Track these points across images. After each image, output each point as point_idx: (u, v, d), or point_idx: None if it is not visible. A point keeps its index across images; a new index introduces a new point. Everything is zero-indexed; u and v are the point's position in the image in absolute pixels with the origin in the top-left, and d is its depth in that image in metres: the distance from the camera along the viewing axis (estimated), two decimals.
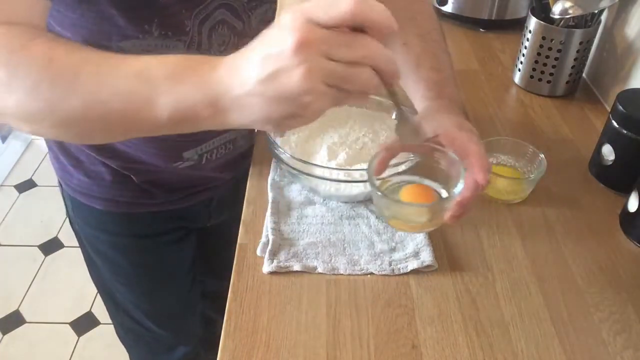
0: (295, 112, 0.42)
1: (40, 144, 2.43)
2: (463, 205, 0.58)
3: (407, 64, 0.70)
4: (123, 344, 1.13)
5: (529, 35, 1.00)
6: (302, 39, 0.39)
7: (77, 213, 0.88)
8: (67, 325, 1.75)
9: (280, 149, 0.74)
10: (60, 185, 0.87)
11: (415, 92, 0.69)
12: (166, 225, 0.91)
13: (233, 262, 0.70)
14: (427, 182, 0.65)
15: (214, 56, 0.46)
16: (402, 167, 0.67)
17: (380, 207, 0.66)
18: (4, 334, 1.72)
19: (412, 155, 0.67)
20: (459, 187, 0.58)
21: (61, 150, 0.81)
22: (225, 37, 0.70)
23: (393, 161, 0.63)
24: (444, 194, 0.63)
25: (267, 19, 0.78)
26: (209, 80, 0.44)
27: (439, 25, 0.75)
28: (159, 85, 0.45)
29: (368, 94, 0.44)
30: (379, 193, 0.59)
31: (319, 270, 0.69)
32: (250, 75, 0.42)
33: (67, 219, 0.93)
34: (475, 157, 0.58)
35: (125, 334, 1.08)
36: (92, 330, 1.73)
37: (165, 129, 0.47)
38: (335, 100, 0.42)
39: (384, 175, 0.63)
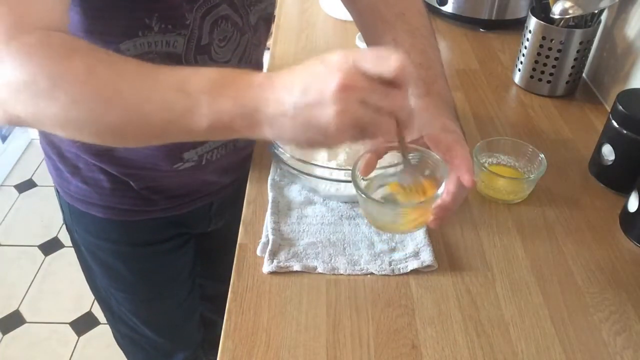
0: (319, 140, 0.47)
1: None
2: (444, 208, 0.58)
3: None
4: (121, 349, 1.12)
5: (529, 35, 1.00)
6: (345, 83, 0.43)
7: (75, 221, 0.86)
8: (67, 325, 1.75)
9: (280, 149, 0.74)
10: (58, 192, 0.86)
11: None
12: (166, 232, 0.90)
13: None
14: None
15: (249, 71, 0.49)
16: (391, 170, 0.66)
17: (363, 209, 0.66)
18: (4, 334, 1.72)
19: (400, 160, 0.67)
20: (441, 190, 0.58)
21: (59, 158, 0.80)
22: (228, 33, 0.70)
23: (382, 163, 0.62)
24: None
25: (266, 16, 0.77)
26: (246, 95, 0.47)
27: (429, 21, 0.75)
28: (199, 99, 0.47)
29: (383, 139, 0.50)
30: (363, 195, 0.58)
31: (319, 270, 0.69)
32: (289, 98, 0.46)
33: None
34: (459, 159, 0.57)
35: (123, 340, 1.08)
36: (92, 330, 1.73)
37: (202, 136, 0.50)
38: (355, 138, 0.47)
39: (370, 175, 0.62)
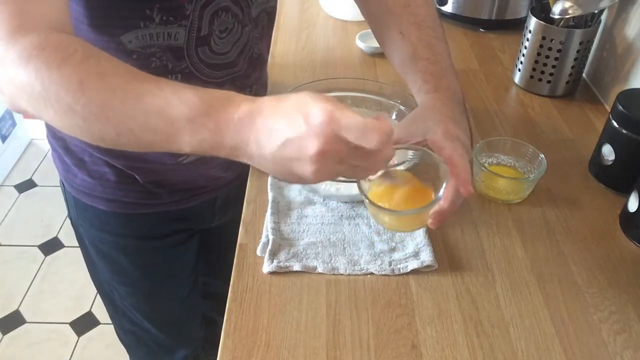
0: (298, 182, 0.50)
1: (40, 144, 2.43)
2: (441, 214, 0.59)
3: (404, 55, 0.71)
4: (123, 345, 1.12)
5: (529, 35, 1.00)
6: (325, 149, 0.44)
7: (80, 214, 0.87)
8: (67, 325, 1.75)
9: None
10: (63, 186, 0.87)
11: (414, 84, 0.69)
12: (170, 226, 0.91)
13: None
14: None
15: (230, 95, 0.49)
16: (402, 167, 0.67)
17: (367, 209, 0.66)
18: (4, 334, 1.72)
19: (409, 156, 0.67)
20: (441, 192, 0.59)
21: (65, 151, 0.81)
22: (228, 25, 0.70)
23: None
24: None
25: (269, 10, 0.78)
26: (227, 130, 0.48)
27: (434, 11, 0.75)
28: (181, 127, 0.48)
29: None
30: (365, 200, 0.59)
31: (319, 270, 0.69)
32: (267, 146, 0.47)
33: (69, 219, 0.92)
34: (457, 169, 0.58)
35: (125, 335, 1.08)
36: (92, 330, 1.73)
37: (188, 153, 0.52)
38: (332, 179, 0.51)
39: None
